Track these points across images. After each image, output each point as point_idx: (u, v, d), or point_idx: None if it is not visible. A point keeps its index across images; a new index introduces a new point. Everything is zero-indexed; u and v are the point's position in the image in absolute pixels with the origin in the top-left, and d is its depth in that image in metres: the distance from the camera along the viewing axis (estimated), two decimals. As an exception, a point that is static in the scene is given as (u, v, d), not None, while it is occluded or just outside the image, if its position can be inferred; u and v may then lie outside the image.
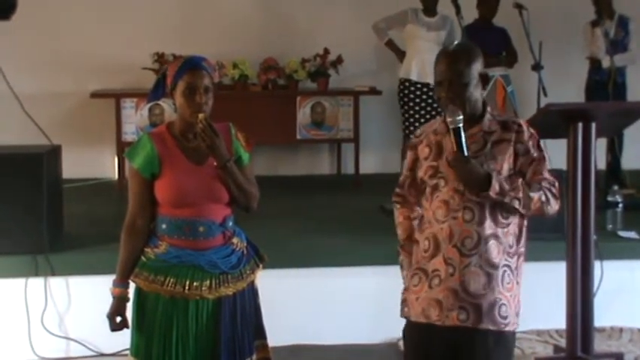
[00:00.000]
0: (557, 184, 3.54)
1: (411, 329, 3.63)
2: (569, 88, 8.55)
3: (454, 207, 3.46)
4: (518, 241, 3.55)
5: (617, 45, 8.15)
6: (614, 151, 8.12)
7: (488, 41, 7.95)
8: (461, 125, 3.40)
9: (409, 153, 3.66)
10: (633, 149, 8.56)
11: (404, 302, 3.66)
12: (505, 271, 3.49)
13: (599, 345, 5.56)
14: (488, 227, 3.45)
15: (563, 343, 5.36)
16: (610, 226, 6.45)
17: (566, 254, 5.07)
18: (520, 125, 3.53)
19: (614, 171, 8.20)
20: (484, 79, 3.52)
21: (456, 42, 3.65)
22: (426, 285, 3.52)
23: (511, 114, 7.88)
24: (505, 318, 3.49)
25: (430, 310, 3.51)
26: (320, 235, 6.39)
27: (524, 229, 3.56)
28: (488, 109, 3.56)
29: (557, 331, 5.83)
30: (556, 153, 6.32)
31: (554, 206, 3.52)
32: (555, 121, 5.01)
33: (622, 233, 6.35)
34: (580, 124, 4.97)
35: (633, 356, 5.64)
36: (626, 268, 6.11)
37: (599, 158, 5.95)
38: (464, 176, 3.40)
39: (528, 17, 7.79)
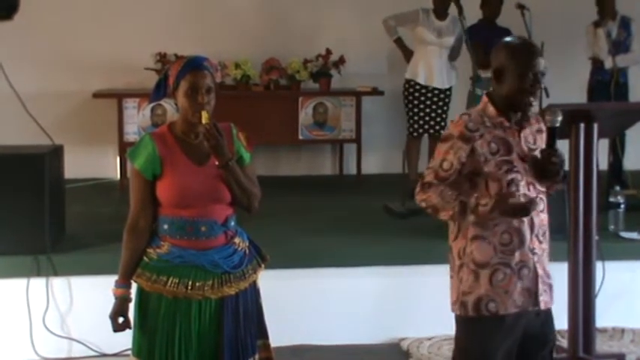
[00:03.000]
0: None
1: (498, 324, 3.63)
2: (571, 89, 8.53)
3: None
4: None
5: (620, 46, 8.14)
6: (616, 151, 8.11)
7: (491, 42, 7.89)
8: (558, 125, 3.60)
9: (463, 146, 3.58)
10: (635, 150, 8.56)
11: (482, 300, 3.62)
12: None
13: (601, 345, 5.57)
14: (548, 213, 3.71)
15: (564, 343, 5.36)
16: (612, 227, 6.44)
17: (568, 255, 5.07)
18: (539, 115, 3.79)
19: (616, 172, 8.19)
20: None
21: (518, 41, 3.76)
22: (514, 277, 3.62)
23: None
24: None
25: (521, 300, 3.63)
26: (322, 236, 6.39)
27: None
28: None
29: (558, 331, 5.79)
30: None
31: None
32: (557, 121, 5.01)
33: (624, 234, 6.35)
34: (582, 125, 4.98)
35: (635, 357, 5.64)
36: (627, 268, 6.11)
37: (601, 159, 5.94)
38: (556, 172, 3.58)
39: (530, 18, 7.78)
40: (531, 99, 3.57)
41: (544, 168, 3.56)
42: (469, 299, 3.64)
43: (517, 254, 3.60)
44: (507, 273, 3.60)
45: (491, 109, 3.63)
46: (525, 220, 3.58)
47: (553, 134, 3.59)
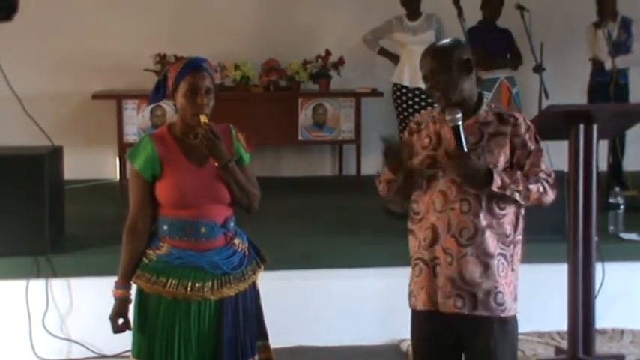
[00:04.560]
0: (552, 174, 3.64)
1: (419, 318, 3.70)
2: (570, 90, 8.54)
3: (452, 198, 3.55)
4: (515, 229, 3.63)
5: (620, 47, 8.13)
6: (616, 152, 8.11)
7: (492, 43, 7.97)
8: (460, 123, 3.49)
9: (408, 137, 3.72)
10: (635, 151, 8.55)
11: (411, 294, 3.73)
12: (499, 259, 3.58)
13: (601, 346, 5.56)
14: (484, 218, 3.54)
15: (564, 344, 5.36)
16: (611, 228, 6.44)
17: (567, 256, 5.07)
18: (516, 118, 3.61)
19: (615, 173, 8.19)
20: (468, 66, 3.59)
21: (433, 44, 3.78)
22: (430, 273, 3.61)
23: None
24: (501, 304, 3.58)
25: (435, 298, 3.60)
26: (321, 237, 6.39)
27: (520, 217, 3.64)
28: (485, 99, 3.65)
29: (558, 332, 5.83)
30: (557, 154, 6.34)
31: (550, 196, 3.62)
32: (557, 122, 5.01)
33: (623, 235, 6.35)
34: (581, 126, 4.97)
35: (634, 358, 5.64)
36: (627, 269, 6.12)
37: (601, 160, 5.94)
38: (465, 173, 3.47)
39: (530, 19, 7.80)
40: (436, 97, 3.58)
41: (459, 173, 3.50)
42: (407, 292, 3.75)
43: (431, 250, 3.59)
44: (423, 269, 3.63)
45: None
46: (441, 218, 3.55)
47: (457, 134, 3.49)
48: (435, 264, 3.59)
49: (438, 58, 3.57)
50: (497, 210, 3.55)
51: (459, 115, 3.49)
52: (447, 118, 3.51)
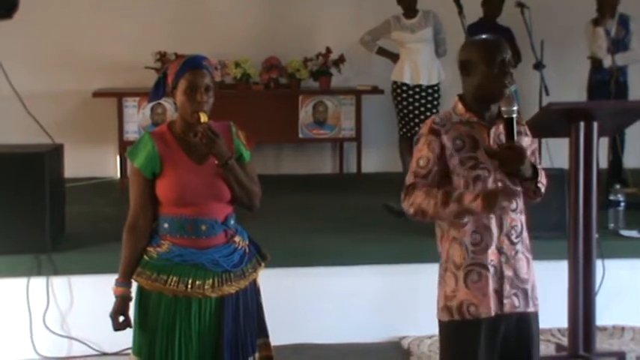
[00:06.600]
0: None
1: (480, 326, 3.54)
2: (570, 88, 8.55)
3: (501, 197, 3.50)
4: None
5: (619, 44, 8.13)
6: (616, 149, 8.11)
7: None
8: (515, 115, 3.45)
9: (434, 140, 3.55)
10: (635, 148, 8.56)
11: (463, 304, 3.55)
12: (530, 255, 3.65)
13: (601, 344, 5.57)
14: (523, 214, 3.60)
15: (565, 341, 5.37)
16: (612, 225, 6.44)
17: (568, 253, 5.07)
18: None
19: (616, 170, 8.18)
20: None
21: (484, 35, 3.69)
22: (489, 277, 3.53)
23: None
24: (537, 299, 3.64)
25: (502, 300, 3.54)
26: (322, 234, 6.39)
27: None
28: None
29: (559, 329, 5.83)
30: (558, 152, 6.36)
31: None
32: (557, 120, 5.01)
33: (624, 232, 6.35)
34: (582, 124, 4.97)
35: (635, 355, 5.64)
36: (627, 266, 6.12)
37: (601, 157, 5.94)
38: (521, 163, 3.42)
39: (530, 16, 7.79)
40: (505, 84, 3.50)
41: (502, 163, 3.43)
42: (453, 304, 3.57)
43: (487, 253, 3.52)
44: (482, 273, 3.52)
45: (460, 107, 3.58)
46: (494, 218, 3.51)
47: (510, 126, 3.44)
48: (493, 266, 3.53)
49: (507, 51, 3.55)
50: (523, 206, 3.62)
51: (516, 107, 3.45)
52: (503, 108, 3.45)
